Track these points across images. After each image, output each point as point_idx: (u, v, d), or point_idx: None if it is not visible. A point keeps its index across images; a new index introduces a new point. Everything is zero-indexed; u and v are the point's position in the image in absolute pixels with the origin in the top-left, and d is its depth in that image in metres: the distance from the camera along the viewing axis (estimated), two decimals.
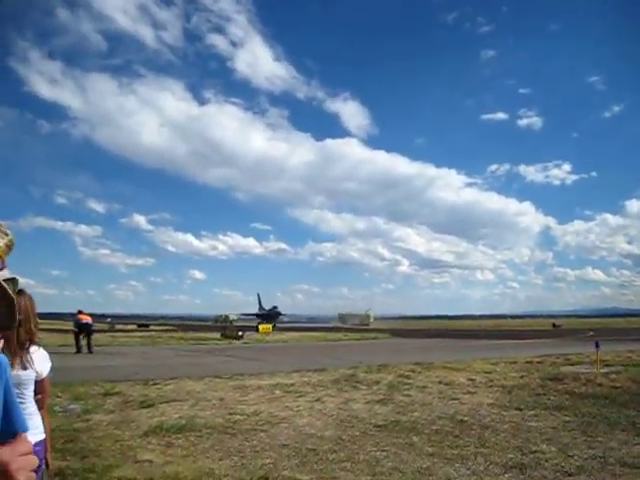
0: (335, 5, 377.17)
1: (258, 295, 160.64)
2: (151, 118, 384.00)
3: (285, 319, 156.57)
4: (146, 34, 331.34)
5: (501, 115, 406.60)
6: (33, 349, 3.71)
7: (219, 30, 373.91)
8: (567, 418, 10.27)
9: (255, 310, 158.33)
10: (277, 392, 13.58)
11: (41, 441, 3.78)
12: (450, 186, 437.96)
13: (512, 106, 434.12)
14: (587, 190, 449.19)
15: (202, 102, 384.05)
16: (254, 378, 16.20)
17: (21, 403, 3.53)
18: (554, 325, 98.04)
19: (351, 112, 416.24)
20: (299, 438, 8.76)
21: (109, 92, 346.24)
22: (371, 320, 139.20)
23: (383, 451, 7.90)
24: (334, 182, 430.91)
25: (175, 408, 11.31)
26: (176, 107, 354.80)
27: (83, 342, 27.07)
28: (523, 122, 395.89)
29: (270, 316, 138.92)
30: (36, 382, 3.79)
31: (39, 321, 3.91)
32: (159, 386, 14.46)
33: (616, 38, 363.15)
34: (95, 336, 29.17)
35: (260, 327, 67.70)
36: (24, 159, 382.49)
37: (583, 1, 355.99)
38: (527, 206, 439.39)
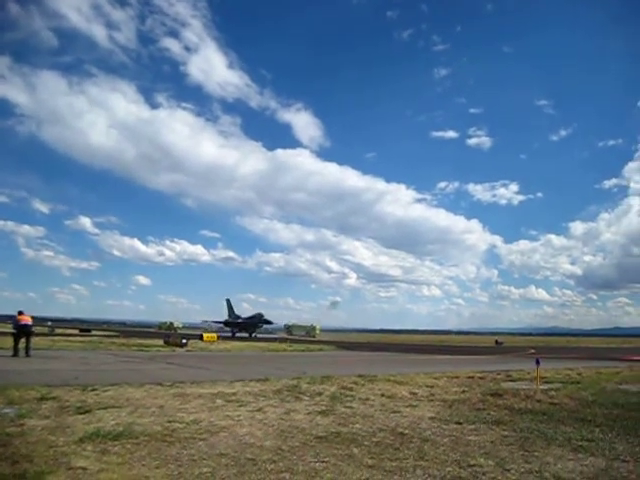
0: (291, 16, 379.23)
1: (228, 301, 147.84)
2: (100, 119, 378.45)
3: (270, 328, 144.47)
4: (99, 33, 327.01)
5: (451, 133, 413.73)
6: None
7: (173, 34, 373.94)
8: (505, 433, 10.40)
9: (219, 317, 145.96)
10: (218, 401, 13.43)
11: None
12: (399, 201, 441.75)
13: (462, 125, 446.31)
14: (533, 211, 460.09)
15: (153, 105, 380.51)
16: (195, 386, 16.02)
17: None
18: (497, 342, 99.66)
19: (303, 123, 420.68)
20: (238, 447, 8.65)
21: (58, 90, 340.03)
22: (317, 332, 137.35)
23: (323, 462, 7.85)
24: (284, 192, 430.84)
25: (113, 414, 11.06)
26: (127, 109, 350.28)
27: (21, 345, 26.43)
28: (472, 141, 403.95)
29: (251, 325, 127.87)
30: None
31: None
32: (97, 392, 14.15)
33: (565, 64, 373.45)
34: (34, 339, 28.49)
35: (204, 335, 67.05)
36: None
37: (536, 27, 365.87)
38: (474, 224, 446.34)
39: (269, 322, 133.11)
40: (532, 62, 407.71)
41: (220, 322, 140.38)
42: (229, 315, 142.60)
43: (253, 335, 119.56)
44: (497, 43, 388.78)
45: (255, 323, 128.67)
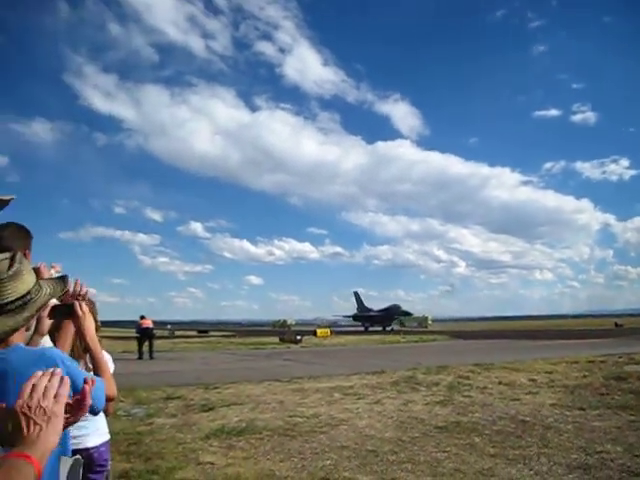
0: (380, 8, 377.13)
1: (356, 294, 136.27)
2: (204, 126, 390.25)
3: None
4: (196, 44, 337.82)
5: (554, 111, 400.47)
6: None
7: (267, 37, 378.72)
8: (632, 417, 10.03)
9: (345, 312, 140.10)
10: (336, 395, 13.61)
11: (105, 442, 3.90)
12: (505, 185, 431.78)
13: (565, 101, 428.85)
14: None
15: (253, 109, 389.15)
16: (313, 381, 16.28)
17: None
18: (616, 324, 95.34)
19: (402, 113, 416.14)
20: (359, 440, 8.77)
21: (162, 103, 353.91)
22: (429, 322, 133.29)
23: (444, 452, 7.85)
24: (387, 185, 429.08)
25: (235, 411, 11.44)
26: (228, 115, 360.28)
27: (145, 348, 27.58)
28: (577, 117, 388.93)
29: (385, 317, 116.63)
30: None
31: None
32: (219, 390, 14.63)
33: None
34: (156, 342, 29.63)
35: (318, 331, 67.58)
36: (82, 171, 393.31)
37: None
38: (585, 203, 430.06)
39: (408, 314, 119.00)
40: (634, 28, 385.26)
41: (349, 316, 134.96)
42: (358, 309, 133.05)
43: (389, 328, 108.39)
44: (596, 13, 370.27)
45: (391, 315, 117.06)
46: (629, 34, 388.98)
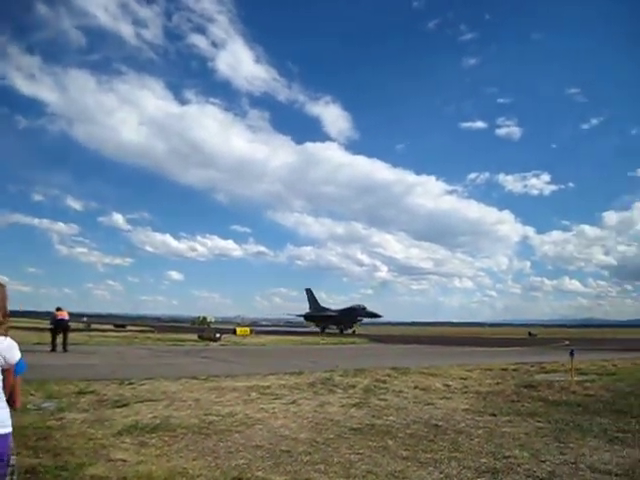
0: (317, 9, 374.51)
1: (309, 291, 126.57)
2: (131, 116, 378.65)
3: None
4: (126, 31, 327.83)
5: (480, 124, 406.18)
6: (0, 339, 3.64)
7: (200, 30, 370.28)
8: (540, 424, 10.36)
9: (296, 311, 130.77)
10: (253, 394, 13.55)
11: (6, 434, 3.70)
12: (429, 193, 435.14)
13: (491, 115, 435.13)
14: (565, 201, 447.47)
15: (182, 102, 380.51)
16: (230, 380, 16.16)
17: None
18: (530, 334, 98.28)
19: (332, 116, 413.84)
20: (274, 440, 8.75)
21: (88, 89, 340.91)
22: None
23: (357, 454, 7.91)
24: (313, 186, 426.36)
25: (150, 408, 11.24)
26: (156, 106, 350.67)
27: (59, 340, 26.88)
28: (502, 131, 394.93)
29: (345, 318, 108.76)
30: (3, 372, 3.72)
31: (12, 318, 3.83)
32: (134, 386, 14.37)
33: (597, 51, 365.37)
34: (71, 335, 28.91)
35: (238, 330, 67.25)
36: None
37: (565, 13, 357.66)
38: (506, 215, 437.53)
39: (376, 315, 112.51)
40: (561, 49, 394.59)
41: (301, 315, 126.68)
42: (311, 307, 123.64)
43: (351, 331, 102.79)
44: (526, 30, 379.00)
45: (353, 317, 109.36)
46: (555, 54, 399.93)
